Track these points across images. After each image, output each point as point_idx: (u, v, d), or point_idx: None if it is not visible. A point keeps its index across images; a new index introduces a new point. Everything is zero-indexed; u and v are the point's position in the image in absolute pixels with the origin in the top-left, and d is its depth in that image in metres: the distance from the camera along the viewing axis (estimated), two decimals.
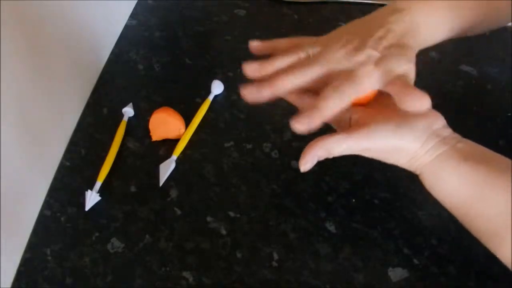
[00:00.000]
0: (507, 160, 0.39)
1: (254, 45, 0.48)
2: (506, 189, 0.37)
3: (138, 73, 0.66)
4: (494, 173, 0.38)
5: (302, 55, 0.43)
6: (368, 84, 0.40)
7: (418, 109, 0.37)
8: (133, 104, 0.61)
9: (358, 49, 0.41)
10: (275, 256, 0.49)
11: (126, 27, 0.72)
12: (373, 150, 0.42)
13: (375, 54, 0.40)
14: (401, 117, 0.41)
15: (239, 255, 0.49)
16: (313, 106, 0.39)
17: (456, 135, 0.41)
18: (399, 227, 0.50)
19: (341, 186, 0.54)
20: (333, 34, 0.45)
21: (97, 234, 0.50)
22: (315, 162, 0.42)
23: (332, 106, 0.39)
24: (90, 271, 0.47)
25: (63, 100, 0.57)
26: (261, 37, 0.74)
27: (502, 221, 0.37)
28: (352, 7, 0.77)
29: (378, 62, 0.40)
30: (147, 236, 0.50)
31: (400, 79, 0.39)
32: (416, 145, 0.40)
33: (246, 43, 0.73)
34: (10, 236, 0.47)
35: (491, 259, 0.48)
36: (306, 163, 0.42)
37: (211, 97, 0.62)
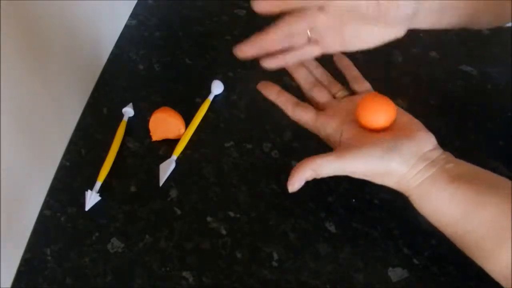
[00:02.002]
0: (496, 176, 0.40)
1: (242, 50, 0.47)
2: (492, 205, 0.38)
3: (138, 73, 0.66)
4: (482, 190, 0.39)
5: None
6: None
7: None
8: (133, 104, 0.61)
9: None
10: (275, 256, 0.49)
11: (126, 27, 0.72)
12: (360, 172, 0.42)
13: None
14: (390, 139, 0.41)
15: (239, 255, 0.49)
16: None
17: (446, 155, 0.41)
18: (399, 227, 0.50)
19: (341, 186, 0.54)
20: None
21: (97, 234, 0.50)
22: (303, 183, 0.43)
23: None
24: (90, 271, 0.47)
25: (63, 100, 0.57)
26: None
27: (489, 237, 0.38)
28: None
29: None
30: (147, 236, 0.50)
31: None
32: (404, 169, 0.40)
33: None
34: (10, 236, 0.47)
35: None
36: (294, 184, 0.43)
37: (211, 97, 0.62)
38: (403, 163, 0.40)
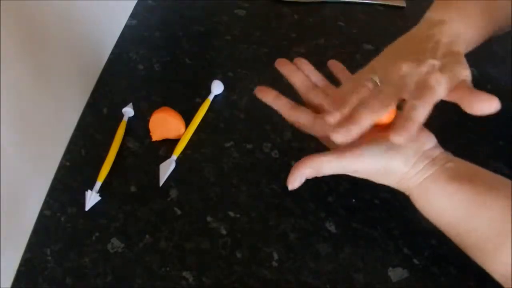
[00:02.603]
0: (496, 176, 0.40)
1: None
2: (492, 205, 0.38)
3: (138, 73, 0.66)
4: (482, 190, 0.39)
5: (369, 85, 0.42)
6: (441, 90, 0.39)
7: (487, 111, 0.37)
8: (133, 104, 0.61)
9: (419, 62, 0.41)
10: (275, 256, 0.49)
11: (126, 27, 0.73)
12: (361, 171, 0.42)
13: (437, 62, 0.40)
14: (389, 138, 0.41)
15: (239, 255, 0.49)
16: (407, 118, 0.38)
17: (446, 155, 0.42)
18: (399, 227, 0.50)
19: (341, 186, 0.54)
20: (382, 59, 0.45)
21: (97, 234, 0.50)
22: (303, 181, 0.42)
23: (419, 116, 0.38)
24: (90, 271, 0.47)
25: (63, 100, 0.57)
26: (261, 37, 0.75)
27: (490, 237, 0.38)
28: (352, 7, 0.77)
29: (442, 69, 0.40)
30: (147, 236, 0.50)
31: (465, 83, 0.39)
32: (405, 168, 0.41)
33: (246, 43, 0.73)
34: (10, 236, 0.47)
35: None
36: (294, 182, 0.42)
37: (211, 97, 0.62)
38: (404, 162, 0.40)
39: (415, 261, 0.48)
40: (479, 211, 0.38)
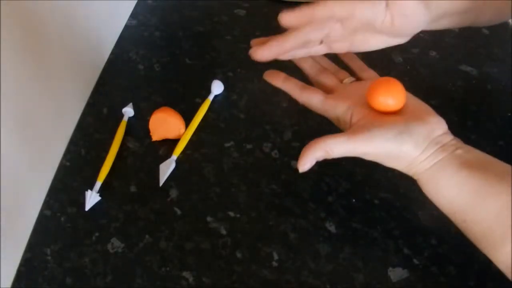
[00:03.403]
0: (506, 166, 0.40)
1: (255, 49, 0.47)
2: (500, 195, 0.38)
3: (138, 73, 0.66)
4: (491, 180, 0.38)
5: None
6: None
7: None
8: (133, 104, 0.61)
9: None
10: (275, 256, 0.49)
11: (126, 27, 0.73)
12: (372, 154, 0.42)
13: None
14: (402, 122, 0.41)
15: (239, 255, 0.49)
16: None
17: (456, 141, 0.41)
18: (399, 227, 0.50)
19: (341, 186, 0.54)
20: None
21: (97, 234, 0.50)
22: (313, 163, 0.42)
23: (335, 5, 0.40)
24: (90, 271, 0.47)
25: (63, 100, 0.57)
26: (261, 37, 0.74)
27: (497, 227, 0.38)
28: None
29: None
30: (147, 236, 0.50)
31: None
32: (416, 152, 0.40)
33: (246, 43, 0.73)
34: (10, 236, 0.47)
35: None
36: (305, 164, 0.42)
37: (211, 97, 0.62)
38: (415, 146, 0.40)
39: (415, 261, 0.48)
40: (487, 201, 0.38)
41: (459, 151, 0.40)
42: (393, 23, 0.42)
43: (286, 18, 0.42)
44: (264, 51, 0.44)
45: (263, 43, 0.45)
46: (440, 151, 0.40)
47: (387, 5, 0.41)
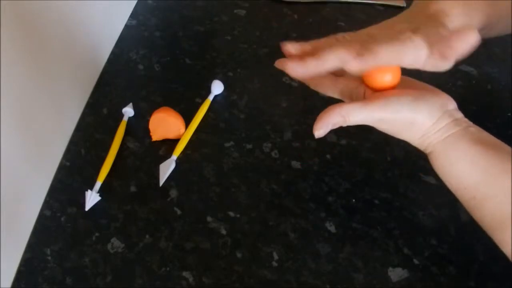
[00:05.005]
0: None
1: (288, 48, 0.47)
2: None
3: (138, 73, 0.66)
4: (504, 158, 0.38)
5: (337, 37, 0.43)
6: (410, 46, 0.39)
7: (467, 46, 0.37)
8: (133, 104, 0.61)
9: (391, 25, 0.41)
10: (275, 256, 0.49)
11: (126, 27, 0.72)
12: (387, 121, 0.41)
13: (409, 25, 0.40)
14: (418, 92, 0.41)
15: (239, 255, 0.49)
16: (367, 49, 0.38)
17: (467, 120, 0.42)
18: (399, 227, 0.50)
19: (341, 186, 0.54)
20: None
21: (97, 234, 0.50)
22: (329, 129, 0.41)
23: (386, 52, 0.38)
24: (90, 271, 0.47)
25: (63, 100, 0.57)
26: (261, 37, 0.75)
27: (507, 205, 0.37)
28: (352, 7, 0.77)
29: (416, 30, 0.39)
30: (147, 236, 0.50)
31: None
32: (430, 121, 0.40)
33: (246, 43, 0.73)
34: (10, 236, 0.47)
35: (491, 259, 0.48)
36: (321, 129, 0.41)
37: (211, 97, 0.62)
38: (429, 114, 0.40)
39: (415, 261, 0.48)
40: (499, 178, 0.38)
41: (472, 129, 0.40)
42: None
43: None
44: (299, 67, 0.41)
45: (296, 50, 0.43)
46: (453, 125, 0.40)
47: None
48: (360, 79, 0.44)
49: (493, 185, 0.38)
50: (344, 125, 0.42)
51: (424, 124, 0.41)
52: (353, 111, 0.41)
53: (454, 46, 0.38)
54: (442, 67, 0.39)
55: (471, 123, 0.41)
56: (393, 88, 0.43)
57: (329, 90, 0.46)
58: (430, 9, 0.42)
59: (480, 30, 0.45)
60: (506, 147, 0.40)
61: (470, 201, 0.40)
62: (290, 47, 0.43)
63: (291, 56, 0.42)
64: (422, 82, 0.44)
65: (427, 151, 0.42)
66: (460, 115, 0.42)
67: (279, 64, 0.45)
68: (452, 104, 0.42)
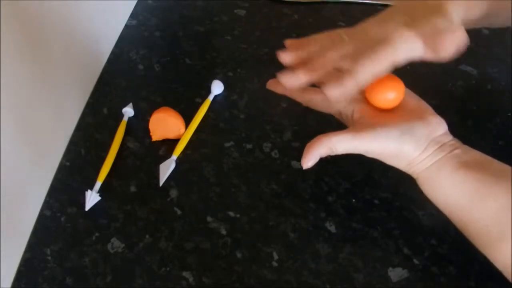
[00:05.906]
0: (504, 166, 0.40)
1: (288, 43, 0.47)
2: (497, 196, 0.38)
3: (138, 73, 0.66)
4: (488, 180, 0.39)
5: (334, 36, 0.43)
6: (403, 45, 0.38)
7: (454, 47, 0.38)
8: (133, 104, 0.61)
9: (387, 19, 0.41)
10: (275, 256, 0.49)
11: (126, 27, 0.72)
12: (374, 152, 0.42)
13: (406, 18, 0.39)
14: (405, 122, 0.41)
15: (239, 255, 0.49)
16: (347, 71, 0.38)
17: (455, 142, 0.42)
18: (399, 227, 0.50)
19: (341, 186, 0.54)
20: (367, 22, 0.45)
21: (97, 234, 0.50)
22: (317, 159, 0.42)
23: (367, 71, 0.38)
24: (90, 271, 0.47)
25: (63, 100, 0.57)
26: (261, 37, 0.75)
27: (493, 227, 0.38)
28: (352, 7, 0.77)
29: (411, 24, 0.39)
30: (147, 236, 0.50)
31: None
32: (416, 152, 0.41)
33: (246, 43, 0.73)
34: (10, 236, 0.47)
35: None
36: (309, 161, 0.42)
37: (211, 97, 0.62)
38: (415, 146, 0.40)
39: (415, 261, 0.48)
40: (484, 201, 0.38)
41: (457, 151, 0.40)
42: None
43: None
44: (290, 79, 0.42)
45: (295, 46, 0.44)
46: (439, 150, 0.40)
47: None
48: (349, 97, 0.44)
49: (477, 209, 0.39)
50: (332, 154, 0.42)
51: (410, 155, 0.41)
52: (339, 143, 0.41)
53: (443, 45, 0.38)
54: (439, 60, 0.39)
55: (458, 144, 0.41)
56: (396, 105, 0.43)
57: (320, 107, 0.47)
58: None
59: (481, 20, 0.45)
60: (491, 166, 0.40)
61: (459, 222, 0.41)
62: (285, 57, 0.44)
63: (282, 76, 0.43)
64: (419, 99, 0.44)
65: (414, 176, 0.42)
66: (447, 139, 0.42)
67: (270, 85, 0.46)
68: (442, 128, 0.42)
